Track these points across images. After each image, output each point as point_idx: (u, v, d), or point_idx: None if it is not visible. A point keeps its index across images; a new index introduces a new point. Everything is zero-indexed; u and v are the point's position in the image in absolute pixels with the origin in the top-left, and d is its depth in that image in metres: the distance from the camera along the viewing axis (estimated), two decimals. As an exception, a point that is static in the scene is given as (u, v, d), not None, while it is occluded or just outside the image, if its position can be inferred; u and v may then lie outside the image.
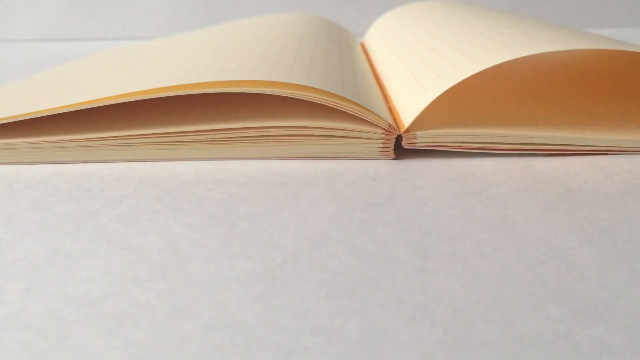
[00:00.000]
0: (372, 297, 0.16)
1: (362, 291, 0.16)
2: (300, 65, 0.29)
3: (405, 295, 0.16)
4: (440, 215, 0.21)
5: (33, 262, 0.18)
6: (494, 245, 0.19)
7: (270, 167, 0.25)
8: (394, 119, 0.27)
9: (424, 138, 0.25)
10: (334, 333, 0.15)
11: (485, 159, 0.26)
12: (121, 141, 0.26)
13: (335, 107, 0.25)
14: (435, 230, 0.20)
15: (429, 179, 0.24)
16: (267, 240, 0.19)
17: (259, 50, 0.32)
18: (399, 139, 0.26)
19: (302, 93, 0.24)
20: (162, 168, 0.25)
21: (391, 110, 0.28)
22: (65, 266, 0.18)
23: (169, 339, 0.14)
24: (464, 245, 0.19)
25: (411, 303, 0.16)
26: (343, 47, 0.40)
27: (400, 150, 0.26)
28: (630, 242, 0.19)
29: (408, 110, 0.26)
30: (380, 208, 0.21)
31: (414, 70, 0.30)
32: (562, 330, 0.15)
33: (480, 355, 0.14)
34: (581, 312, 0.15)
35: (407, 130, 0.25)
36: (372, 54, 0.42)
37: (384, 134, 0.25)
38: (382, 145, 0.26)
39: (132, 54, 0.40)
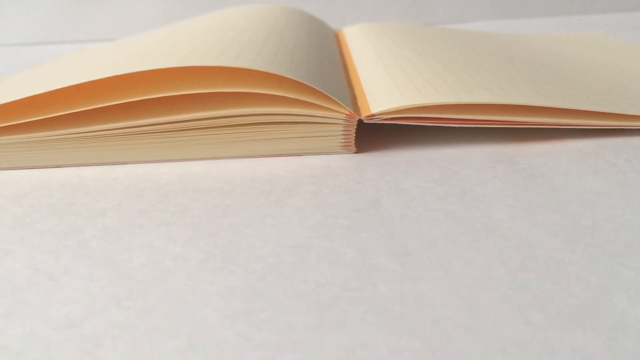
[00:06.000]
0: (351, 309, 0.16)
1: (342, 303, 0.16)
2: (266, 53, 0.28)
3: (385, 306, 0.16)
4: (423, 218, 0.21)
5: (14, 283, 0.18)
6: (477, 249, 0.19)
7: (255, 174, 0.25)
8: (357, 105, 0.27)
9: (384, 115, 0.26)
10: (312, 348, 0.15)
11: (469, 155, 0.26)
12: (102, 137, 0.26)
13: (297, 97, 0.25)
14: (418, 235, 0.20)
15: (412, 179, 0.24)
16: (250, 251, 0.19)
17: (226, 39, 0.31)
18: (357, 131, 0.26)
19: (271, 86, 0.25)
20: (147, 179, 0.25)
21: (356, 97, 0.29)
22: (46, 286, 0.18)
23: (147, 360, 0.14)
24: (446, 250, 0.19)
25: (391, 313, 0.16)
26: (313, 37, 0.40)
27: (359, 144, 0.27)
28: (612, 242, 0.19)
29: (378, 101, 0.27)
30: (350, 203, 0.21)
31: (394, 75, 0.30)
32: (540, 337, 0.15)
33: (459, 367, 0.14)
34: (561, 317, 0.15)
35: (371, 116, 0.26)
36: (349, 47, 0.42)
37: (345, 118, 0.26)
38: (343, 137, 0.26)
39: (102, 51, 0.40)
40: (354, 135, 0.26)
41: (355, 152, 0.27)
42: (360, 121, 0.26)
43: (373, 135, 0.29)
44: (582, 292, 0.16)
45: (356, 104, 0.28)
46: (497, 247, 0.19)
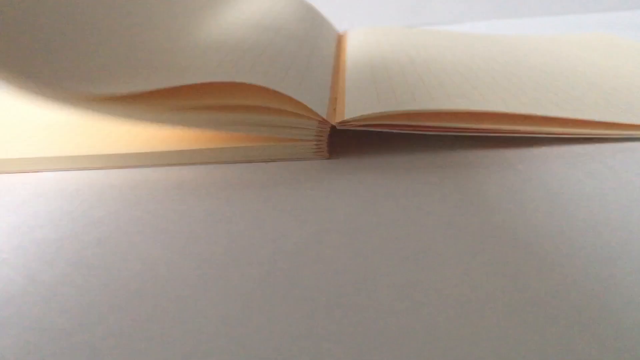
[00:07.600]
0: (344, 319, 0.16)
1: (336, 310, 0.16)
2: (246, 59, 0.28)
3: (380, 312, 0.16)
4: (416, 226, 0.21)
5: (9, 292, 0.18)
6: (473, 253, 0.19)
7: (225, 180, 0.25)
8: (334, 111, 0.27)
9: (355, 121, 0.25)
10: (306, 355, 0.15)
11: (465, 158, 0.26)
12: None
13: (268, 105, 0.24)
14: (414, 240, 0.20)
15: (406, 183, 0.24)
16: (239, 259, 0.19)
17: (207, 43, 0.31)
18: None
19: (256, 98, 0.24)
20: (142, 185, 0.25)
21: (335, 102, 0.28)
22: (41, 296, 0.18)
23: (142, 370, 0.14)
24: (442, 256, 0.19)
25: (386, 321, 0.16)
26: (309, 38, 0.40)
27: (349, 149, 0.27)
28: (608, 245, 0.19)
29: (353, 107, 0.26)
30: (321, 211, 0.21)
31: (378, 81, 0.30)
32: (537, 341, 0.15)
33: (454, 373, 0.14)
34: (557, 321, 0.15)
35: (343, 122, 0.25)
36: (347, 50, 0.42)
37: (318, 124, 0.25)
38: (316, 143, 0.26)
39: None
40: (327, 141, 0.26)
41: (329, 159, 0.26)
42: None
43: (371, 140, 0.28)
44: (579, 296, 0.16)
45: (334, 109, 0.27)
46: (493, 252, 0.19)
